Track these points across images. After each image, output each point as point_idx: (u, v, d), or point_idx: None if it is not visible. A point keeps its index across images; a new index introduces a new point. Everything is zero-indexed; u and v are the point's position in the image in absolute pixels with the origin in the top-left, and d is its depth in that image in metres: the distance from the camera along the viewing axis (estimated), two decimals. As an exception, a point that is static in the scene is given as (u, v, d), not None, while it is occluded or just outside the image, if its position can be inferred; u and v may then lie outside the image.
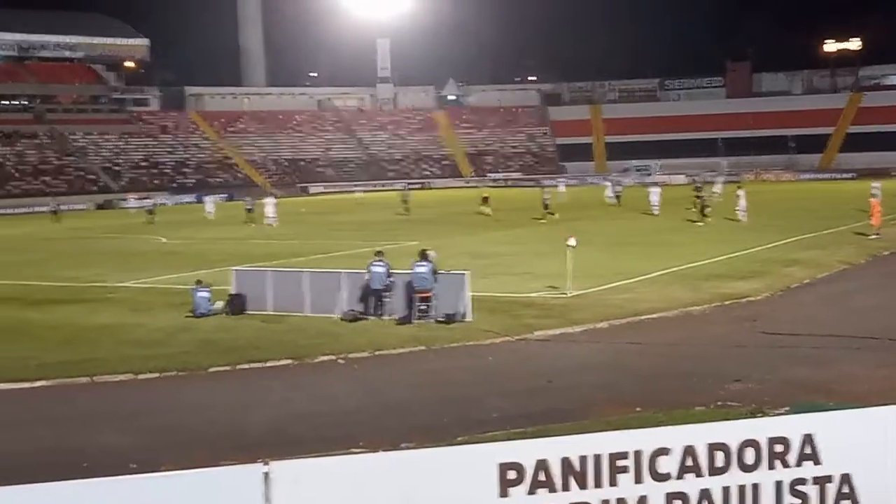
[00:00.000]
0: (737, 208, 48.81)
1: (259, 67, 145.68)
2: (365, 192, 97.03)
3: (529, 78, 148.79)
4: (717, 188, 66.53)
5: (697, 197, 51.19)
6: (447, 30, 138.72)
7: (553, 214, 53.64)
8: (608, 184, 74.84)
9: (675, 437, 8.65)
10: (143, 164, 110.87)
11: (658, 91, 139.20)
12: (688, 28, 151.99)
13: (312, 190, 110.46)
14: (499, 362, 19.55)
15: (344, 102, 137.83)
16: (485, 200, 60.87)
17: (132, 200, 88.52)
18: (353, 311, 24.05)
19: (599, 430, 11.11)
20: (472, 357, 20.01)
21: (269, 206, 58.90)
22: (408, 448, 12.28)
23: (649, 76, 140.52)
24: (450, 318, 22.93)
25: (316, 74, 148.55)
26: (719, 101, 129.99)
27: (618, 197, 66.05)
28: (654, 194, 57.26)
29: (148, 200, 74.42)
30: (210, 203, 70.09)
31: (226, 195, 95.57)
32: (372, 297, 24.01)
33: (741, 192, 50.21)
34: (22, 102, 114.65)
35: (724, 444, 8.44)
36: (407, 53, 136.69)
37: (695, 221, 48.69)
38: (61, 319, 25.56)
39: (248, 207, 62.10)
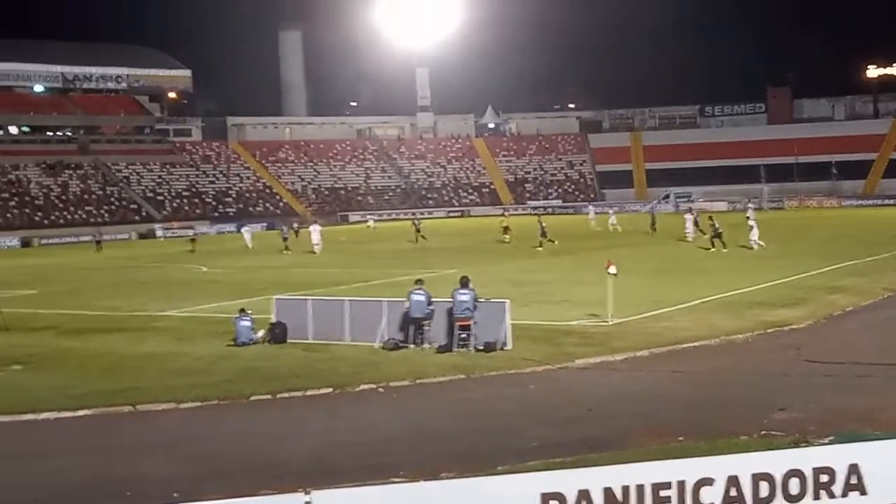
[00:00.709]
0: (751, 238, 49.03)
1: (300, 97, 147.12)
2: (376, 220, 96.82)
3: (569, 105, 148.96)
4: (750, 213, 66.65)
5: (693, 223, 51.61)
6: (486, 58, 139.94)
7: (552, 242, 54.55)
8: (610, 211, 75.97)
9: (719, 466, 8.58)
10: (186, 193, 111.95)
11: (698, 118, 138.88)
12: (728, 54, 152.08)
13: (352, 218, 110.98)
14: (539, 391, 19.47)
15: (384, 131, 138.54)
16: (505, 230, 62.11)
17: (159, 230, 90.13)
18: (393, 339, 24.04)
19: (641, 459, 11.01)
20: (513, 386, 19.94)
21: (315, 233, 59.55)
22: (448, 477, 12.25)
23: (689, 103, 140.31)
24: (490, 347, 22.86)
25: (356, 104, 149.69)
26: (761, 128, 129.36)
27: (653, 225, 65.60)
28: (689, 221, 57.99)
29: (191, 230, 75.55)
30: (248, 232, 70.82)
31: (265, 224, 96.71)
32: (412, 326, 24.00)
33: (753, 222, 50.80)
34: (66, 133, 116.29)
35: (768, 473, 8.36)
36: (446, 82, 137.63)
37: (707, 248, 48.87)
38: (104, 348, 25.78)
39: (285, 236, 63.14)
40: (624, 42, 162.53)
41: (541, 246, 54.31)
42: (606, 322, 26.07)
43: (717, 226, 49.51)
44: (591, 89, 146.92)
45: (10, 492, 13.70)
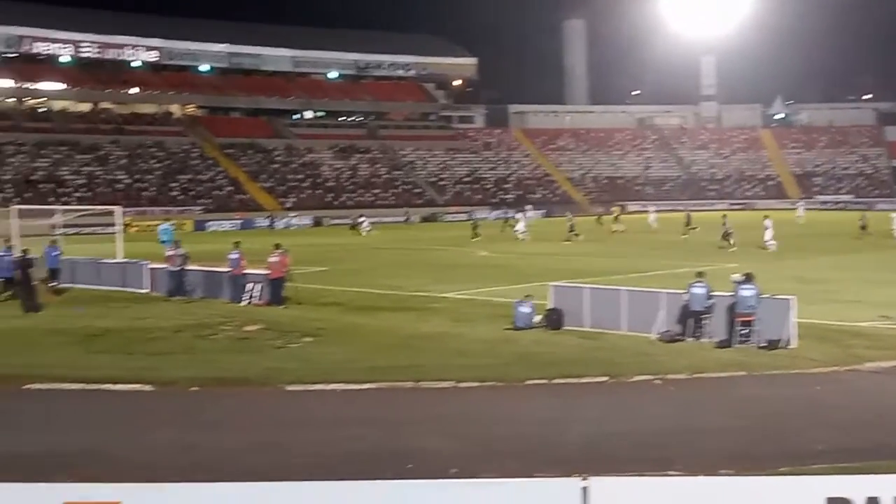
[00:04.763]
0: (764, 239, 49.32)
1: (581, 85, 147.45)
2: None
3: (864, 96, 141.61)
4: None
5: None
6: (775, 46, 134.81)
7: (733, 246, 50.43)
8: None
9: None
10: (466, 179, 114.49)
11: None
12: None
13: (631, 208, 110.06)
14: (825, 392, 18.67)
15: (665, 121, 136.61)
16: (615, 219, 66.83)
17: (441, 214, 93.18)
18: (670, 331, 23.72)
19: (938, 471, 10.37)
20: (796, 386, 19.23)
21: (521, 221, 63.41)
22: (727, 475, 11.98)
23: None
24: (773, 344, 22.17)
25: (638, 92, 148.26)
26: None
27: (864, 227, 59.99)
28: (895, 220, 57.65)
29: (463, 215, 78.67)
30: (366, 221, 74.68)
31: (544, 210, 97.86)
32: (691, 319, 23.59)
33: (768, 223, 50.60)
34: (357, 118, 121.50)
35: None
36: (732, 70, 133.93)
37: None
38: (388, 326, 26.78)
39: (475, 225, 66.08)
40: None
41: (733, 245, 50.14)
42: (900, 325, 24.72)
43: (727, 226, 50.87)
44: (889, 79, 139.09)
45: (305, 456, 14.51)
